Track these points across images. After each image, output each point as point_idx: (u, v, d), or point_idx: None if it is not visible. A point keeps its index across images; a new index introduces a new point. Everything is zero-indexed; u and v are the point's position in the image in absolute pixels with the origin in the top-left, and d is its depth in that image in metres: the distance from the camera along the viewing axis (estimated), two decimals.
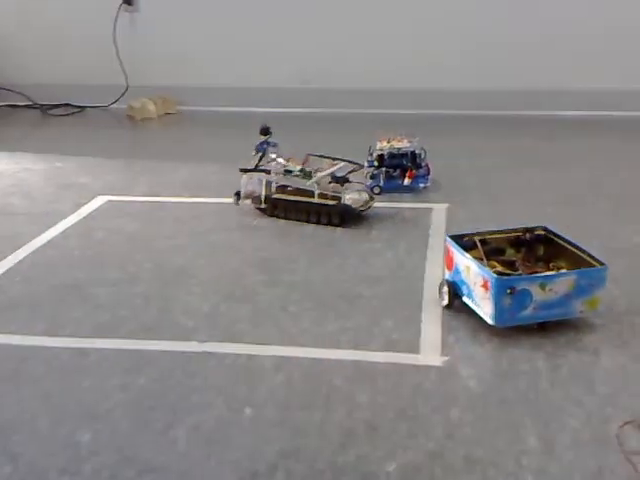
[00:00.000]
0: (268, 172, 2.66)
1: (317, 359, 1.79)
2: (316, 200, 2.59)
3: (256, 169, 2.69)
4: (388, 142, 2.90)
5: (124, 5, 4.35)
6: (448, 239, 2.06)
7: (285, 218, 2.63)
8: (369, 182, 2.85)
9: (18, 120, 4.18)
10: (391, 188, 2.87)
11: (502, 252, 2.08)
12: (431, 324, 1.94)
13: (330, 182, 2.62)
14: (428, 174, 2.92)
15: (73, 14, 4.36)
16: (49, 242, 2.47)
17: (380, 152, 2.87)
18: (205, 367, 1.74)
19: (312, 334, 1.90)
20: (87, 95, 4.36)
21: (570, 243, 2.03)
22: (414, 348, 1.83)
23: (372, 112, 4.09)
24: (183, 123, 4.18)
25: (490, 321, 1.88)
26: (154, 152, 3.58)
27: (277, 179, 2.66)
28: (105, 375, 1.70)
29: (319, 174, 2.62)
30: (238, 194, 2.71)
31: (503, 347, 1.81)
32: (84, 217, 2.70)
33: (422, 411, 1.59)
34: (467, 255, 1.96)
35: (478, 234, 2.07)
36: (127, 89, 4.35)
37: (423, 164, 2.91)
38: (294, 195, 2.64)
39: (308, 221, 2.60)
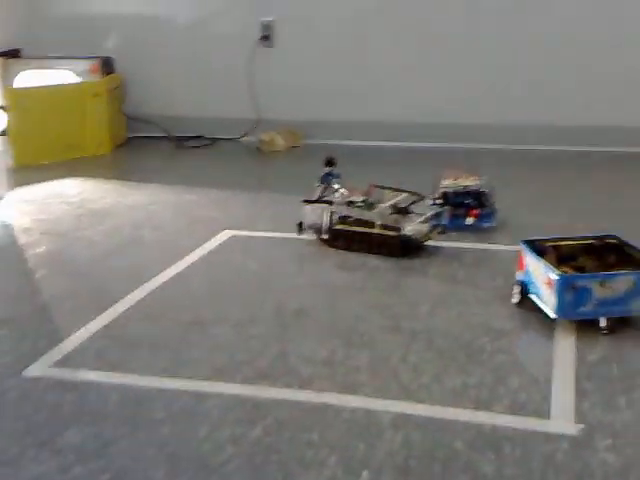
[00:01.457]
0: (331, 203, 2.68)
1: (437, 419, 1.69)
2: (377, 231, 2.59)
3: (319, 200, 2.71)
4: (455, 179, 2.83)
5: (261, 40, 4.44)
6: (522, 244, 2.21)
7: (346, 249, 2.62)
8: (432, 221, 2.74)
9: (153, 151, 4.35)
10: (455, 227, 2.77)
11: (574, 259, 2.20)
12: (562, 385, 1.80)
13: (391, 213, 2.60)
14: (493, 214, 2.83)
15: (209, 50, 4.50)
16: (174, 277, 2.51)
17: (445, 189, 2.80)
18: (321, 420, 1.69)
19: (432, 390, 1.80)
20: (220, 127, 4.48)
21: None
22: (544, 412, 1.70)
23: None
24: (308, 157, 4.20)
25: (552, 314, 2.04)
26: (280, 186, 3.61)
27: (340, 210, 2.67)
28: (220, 424, 1.68)
29: (381, 205, 2.62)
30: (301, 225, 2.72)
31: None
32: (209, 252, 2.73)
33: None
34: (537, 257, 2.13)
35: (551, 240, 2.21)
36: (258, 122, 4.44)
37: (488, 203, 2.83)
38: (355, 226, 2.64)
39: (369, 252, 2.58)
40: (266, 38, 4.41)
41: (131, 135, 4.54)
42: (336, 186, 2.74)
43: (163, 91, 4.57)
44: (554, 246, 2.21)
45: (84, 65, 4.31)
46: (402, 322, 2.16)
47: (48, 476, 1.51)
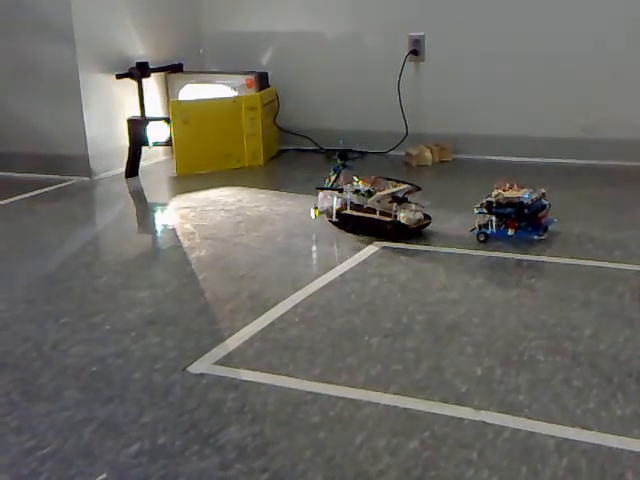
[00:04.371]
0: (340, 190, 3.00)
1: (605, 447, 1.59)
2: (376, 217, 2.92)
3: (331, 188, 3.06)
4: (503, 190, 2.89)
5: (410, 55, 4.45)
6: None
7: (352, 232, 2.98)
8: (475, 230, 2.88)
9: (304, 163, 4.44)
10: (499, 237, 2.86)
11: None
12: None
13: (390, 202, 2.90)
14: (540, 227, 2.84)
15: (358, 64, 4.56)
16: (327, 285, 2.54)
17: (490, 200, 2.87)
18: (480, 439, 1.63)
19: (599, 417, 1.70)
20: (368, 141, 4.51)
21: None
22: None
23: None
24: (456, 171, 4.14)
25: None
26: (428, 200, 3.56)
27: (349, 197, 2.97)
28: (376, 433, 1.67)
29: (378, 194, 2.94)
30: (316, 208, 3.06)
31: None
32: (360, 262, 2.75)
33: None
34: None
35: None
36: (406, 136, 4.43)
37: (531, 216, 2.83)
38: (364, 212, 2.95)
39: (369, 235, 2.94)
40: (415, 53, 4.41)
41: (283, 147, 4.68)
42: (344, 177, 3.08)
43: (314, 105, 4.67)
44: None
45: (240, 80, 4.48)
46: (562, 342, 2.06)
47: (210, 471, 1.56)
